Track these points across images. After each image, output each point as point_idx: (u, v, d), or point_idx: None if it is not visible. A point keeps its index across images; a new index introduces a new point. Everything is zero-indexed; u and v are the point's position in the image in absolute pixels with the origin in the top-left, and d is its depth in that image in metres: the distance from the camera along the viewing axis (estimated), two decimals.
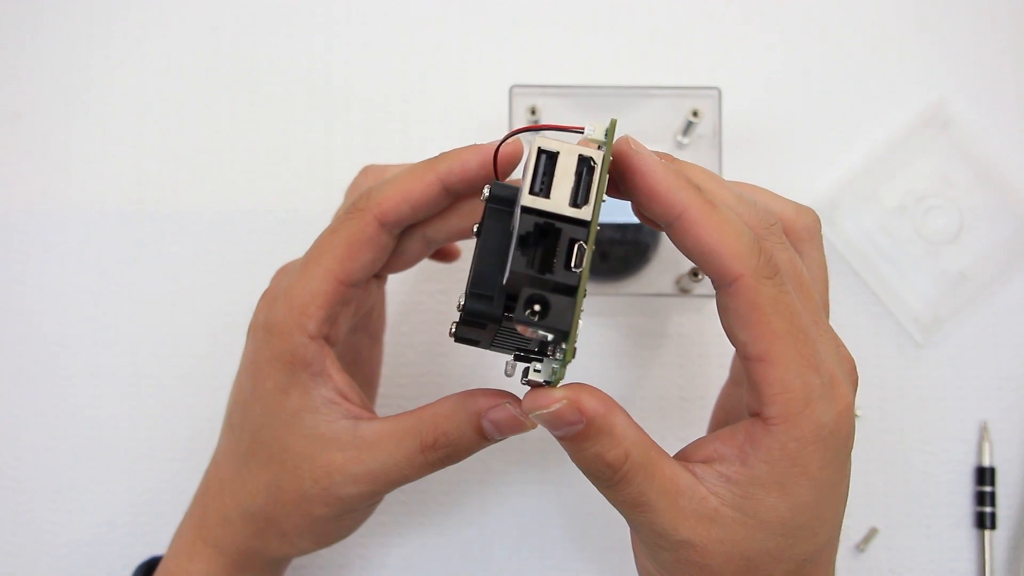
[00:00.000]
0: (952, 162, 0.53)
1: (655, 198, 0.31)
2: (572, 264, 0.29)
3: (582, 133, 0.31)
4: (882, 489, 0.51)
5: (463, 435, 0.35)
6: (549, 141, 0.30)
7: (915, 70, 0.55)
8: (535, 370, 0.32)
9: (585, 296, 0.31)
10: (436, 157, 0.37)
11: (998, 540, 0.50)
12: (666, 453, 0.32)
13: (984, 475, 0.50)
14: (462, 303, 0.31)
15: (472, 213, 0.39)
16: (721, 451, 0.32)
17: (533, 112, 0.50)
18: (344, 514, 0.38)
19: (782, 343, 0.30)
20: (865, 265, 0.52)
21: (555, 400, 0.31)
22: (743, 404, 0.40)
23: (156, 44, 0.56)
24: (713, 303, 0.51)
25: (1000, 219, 0.53)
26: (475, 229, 0.35)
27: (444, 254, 0.46)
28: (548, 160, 0.30)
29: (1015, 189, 0.53)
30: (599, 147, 0.31)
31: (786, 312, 0.30)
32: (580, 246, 0.29)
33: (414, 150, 0.54)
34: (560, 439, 0.32)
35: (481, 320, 0.31)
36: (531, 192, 0.29)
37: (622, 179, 0.32)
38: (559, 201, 0.29)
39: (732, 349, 0.43)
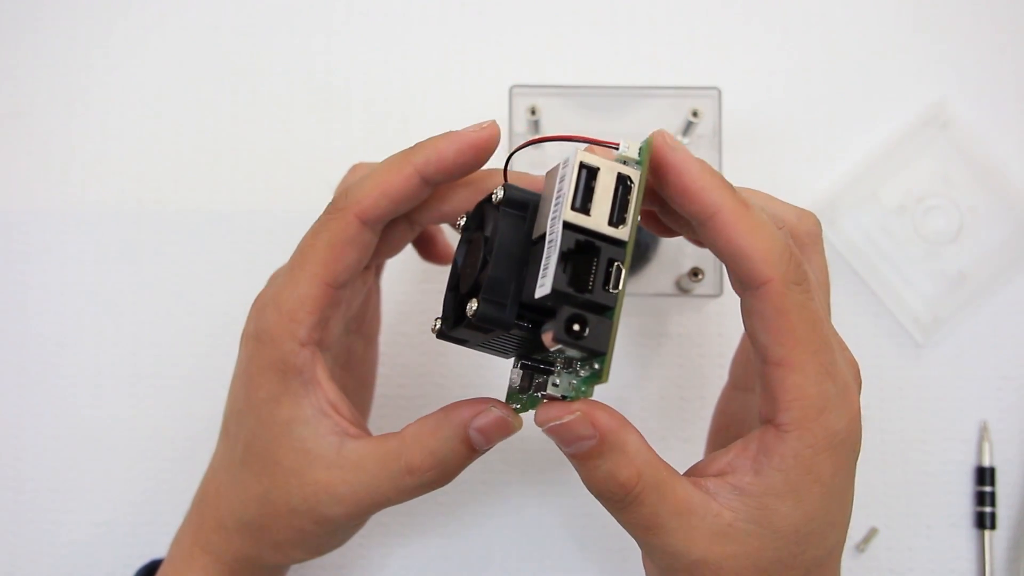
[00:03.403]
0: (952, 162, 0.53)
1: (689, 196, 0.30)
2: (611, 285, 0.29)
3: (614, 147, 0.31)
4: (882, 489, 0.51)
5: (451, 450, 0.35)
6: (591, 156, 0.30)
7: (915, 70, 0.55)
8: (553, 384, 0.31)
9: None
10: (412, 148, 0.36)
11: (998, 540, 0.50)
12: (676, 472, 0.32)
13: (984, 475, 0.50)
14: (473, 308, 0.30)
15: (455, 196, 0.38)
16: (734, 463, 0.32)
17: (533, 112, 0.50)
18: (335, 532, 0.38)
19: (803, 350, 0.30)
20: (865, 265, 0.52)
21: (569, 412, 0.30)
22: (746, 408, 0.40)
23: (156, 44, 0.56)
24: (713, 303, 0.52)
25: (1000, 219, 0.53)
26: (461, 222, 0.34)
27: (441, 257, 0.46)
28: (589, 176, 0.29)
29: (1015, 189, 0.53)
30: (624, 162, 0.30)
31: (810, 319, 0.30)
32: (618, 267, 0.29)
33: None
34: (572, 457, 0.31)
35: (491, 326, 0.31)
36: (573, 208, 0.29)
37: (654, 175, 0.31)
38: (599, 219, 0.29)
39: (732, 349, 0.43)
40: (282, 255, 0.42)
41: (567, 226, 0.29)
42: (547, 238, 0.30)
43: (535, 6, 0.56)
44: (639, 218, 0.30)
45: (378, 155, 0.53)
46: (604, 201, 0.29)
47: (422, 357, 0.52)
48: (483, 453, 0.35)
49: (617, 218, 0.29)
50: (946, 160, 0.53)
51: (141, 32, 0.56)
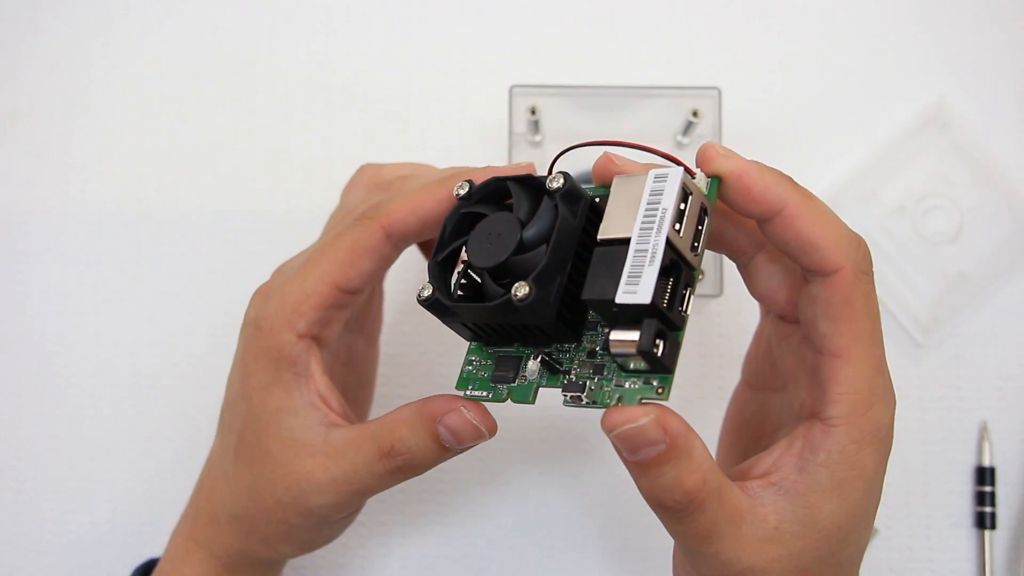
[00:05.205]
0: (952, 162, 0.53)
1: (753, 198, 0.31)
2: (683, 307, 0.30)
3: (692, 174, 0.31)
4: (882, 489, 0.51)
5: (419, 441, 0.34)
6: (689, 180, 0.30)
7: (915, 70, 0.55)
8: (590, 389, 0.31)
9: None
10: (451, 176, 0.36)
11: (998, 540, 0.50)
12: (726, 477, 0.32)
13: (984, 475, 0.50)
14: (523, 293, 0.30)
15: None
16: (779, 463, 0.32)
17: (533, 112, 0.50)
18: (320, 525, 0.38)
19: (862, 343, 0.31)
20: None
21: (641, 415, 0.29)
22: (765, 407, 0.39)
23: (156, 44, 0.56)
24: (713, 303, 0.52)
25: (1000, 219, 0.53)
26: (461, 191, 0.34)
27: None
28: (682, 198, 0.30)
29: (1015, 189, 0.53)
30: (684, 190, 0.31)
31: (872, 312, 0.31)
32: (690, 291, 0.30)
33: (414, 150, 0.54)
34: (636, 464, 0.31)
35: (534, 314, 0.30)
36: (673, 227, 0.30)
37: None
38: (685, 243, 0.30)
39: (733, 350, 0.43)
40: (282, 255, 0.42)
41: (668, 244, 0.29)
42: (634, 246, 0.30)
43: (535, 6, 0.56)
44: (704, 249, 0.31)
45: (378, 155, 0.53)
46: (690, 226, 0.30)
47: (423, 357, 0.52)
48: (456, 453, 0.35)
49: (693, 245, 0.30)
50: (946, 160, 0.53)
51: (141, 32, 0.56)
